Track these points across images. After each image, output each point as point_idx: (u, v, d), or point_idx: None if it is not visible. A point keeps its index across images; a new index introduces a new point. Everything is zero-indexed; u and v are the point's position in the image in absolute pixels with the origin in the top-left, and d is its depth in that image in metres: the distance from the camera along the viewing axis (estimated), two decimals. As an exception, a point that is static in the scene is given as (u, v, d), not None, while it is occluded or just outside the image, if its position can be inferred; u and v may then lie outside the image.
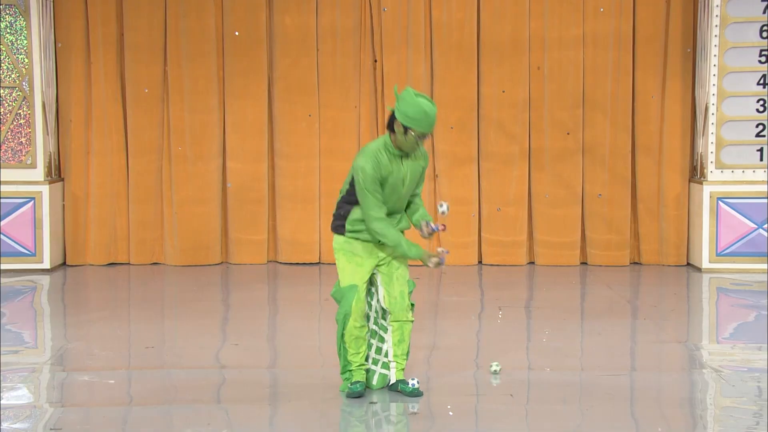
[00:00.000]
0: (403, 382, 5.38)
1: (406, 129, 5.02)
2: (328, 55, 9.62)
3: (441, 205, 5.21)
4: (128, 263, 9.73)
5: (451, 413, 5.12)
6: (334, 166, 9.58)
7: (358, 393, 5.27)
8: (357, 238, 5.22)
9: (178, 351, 6.49)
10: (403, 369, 5.42)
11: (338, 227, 5.28)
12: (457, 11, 9.51)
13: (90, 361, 6.19)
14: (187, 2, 9.53)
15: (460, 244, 9.59)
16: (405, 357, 5.41)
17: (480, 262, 9.69)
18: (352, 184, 5.18)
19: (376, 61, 9.64)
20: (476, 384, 5.67)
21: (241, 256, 9.73)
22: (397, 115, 5.04)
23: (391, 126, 5.11)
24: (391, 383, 5.41)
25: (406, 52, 9.55)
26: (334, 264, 9.30)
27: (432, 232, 5.20)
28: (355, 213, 5.21)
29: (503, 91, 9.53)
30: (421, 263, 5.20)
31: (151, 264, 9.74)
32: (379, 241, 5.21)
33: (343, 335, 5.28)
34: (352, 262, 5.24)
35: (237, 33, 9.58)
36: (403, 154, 5.14)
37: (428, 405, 5.24)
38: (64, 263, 9.68)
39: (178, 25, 9.57)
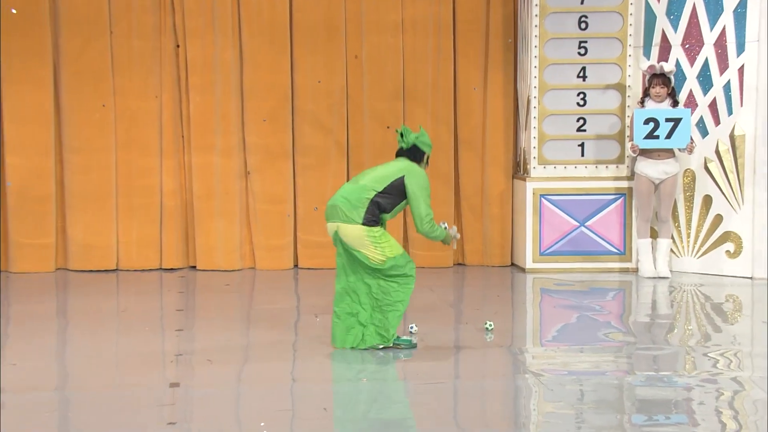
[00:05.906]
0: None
1: (428, 157, 6.65)
2: (123, 37, 9.40)
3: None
4: None
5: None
6: (134, 161, 9.43)
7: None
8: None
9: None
10: None
11: (372, 222, 6.34)
12: (267, -11, 9.48)
13: None
14: (-44, -26, 9.09)
15: (274, 246, 9.59)
16: None
17: (296, 265, 9.70)
18: (388, 190, 6.38)
19: (178, 46, 9.48)
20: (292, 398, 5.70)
21: (24, 263, 9.36)
22: (424, 148, 6.60)
23: (417, 156, 6.57)
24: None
25: (213, 35, 9.43)
26: (132, 271, 9.26)
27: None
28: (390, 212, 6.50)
29: (319, 81, 9.58)
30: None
31: None
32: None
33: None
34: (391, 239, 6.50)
35: (14, 10, 9.19)
36: None
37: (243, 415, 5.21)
38: None
39: (-53, 0, 9.11)
